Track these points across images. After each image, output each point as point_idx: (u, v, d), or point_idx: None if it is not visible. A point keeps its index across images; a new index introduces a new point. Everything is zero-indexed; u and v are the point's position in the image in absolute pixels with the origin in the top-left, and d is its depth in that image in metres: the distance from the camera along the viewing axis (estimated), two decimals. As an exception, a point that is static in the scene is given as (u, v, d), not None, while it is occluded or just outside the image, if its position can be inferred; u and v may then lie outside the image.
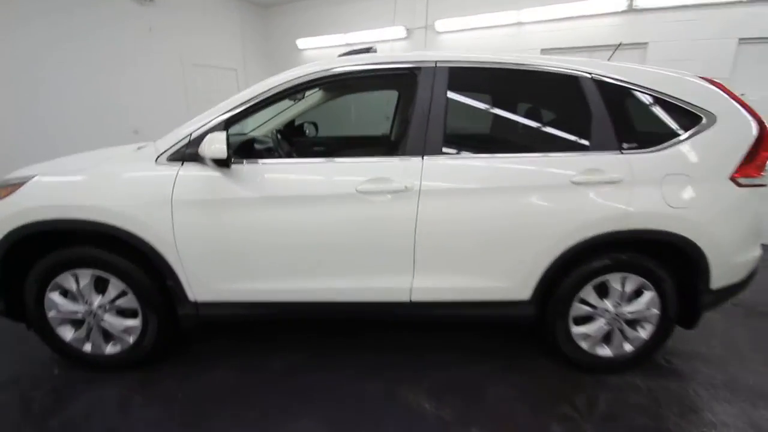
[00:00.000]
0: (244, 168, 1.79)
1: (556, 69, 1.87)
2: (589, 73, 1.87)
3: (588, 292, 1.96)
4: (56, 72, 4.78)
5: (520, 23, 4.84)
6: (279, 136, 2.27)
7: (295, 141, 2.86)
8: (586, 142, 1.85)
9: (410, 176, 1.78)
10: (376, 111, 4.57)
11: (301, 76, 1.85)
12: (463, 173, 1.80)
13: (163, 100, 5.92)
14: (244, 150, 2.14)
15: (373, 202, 1.78)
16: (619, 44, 2.31)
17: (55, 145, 4.54)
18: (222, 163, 1.73)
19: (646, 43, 4.36)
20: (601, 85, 1.86)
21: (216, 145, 1.64)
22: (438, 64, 1.86)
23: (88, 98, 5.16)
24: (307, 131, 3.39)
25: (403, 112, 2.73)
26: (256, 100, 1.84)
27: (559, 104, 1.95)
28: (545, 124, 1.95)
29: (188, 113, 6.35)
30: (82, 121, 5.12)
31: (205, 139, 1.68)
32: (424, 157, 1.80)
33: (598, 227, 1.81)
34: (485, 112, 1.99)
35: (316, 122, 3.43)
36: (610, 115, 1.85)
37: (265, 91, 1.84)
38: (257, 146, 2.34)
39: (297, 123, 3.34)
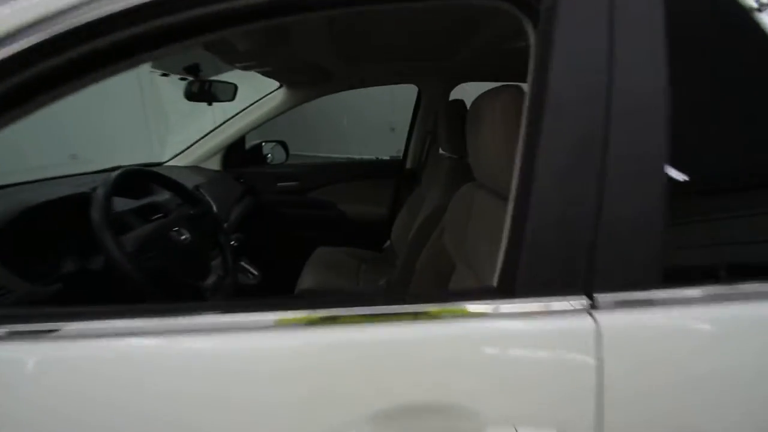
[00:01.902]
0: None
1: None
2: None
3: None
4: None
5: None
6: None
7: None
8: None
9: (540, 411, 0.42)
10: (373, 117, 3.21)
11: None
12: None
13: (112, 116, 4.59)
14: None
15: None
16: None
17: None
18: None
19: None
20: None
21: None
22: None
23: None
24: (270, 156, 2.04)
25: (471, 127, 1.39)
26: None
27: None
28: None
29: (149, 133, 5.04)
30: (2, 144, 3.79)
31: None
32: (598, 312, 0.42)
33: None
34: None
35: (284, 141, 2.08)
36: None
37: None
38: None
39: (251, 144, 1.99)
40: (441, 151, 1.63)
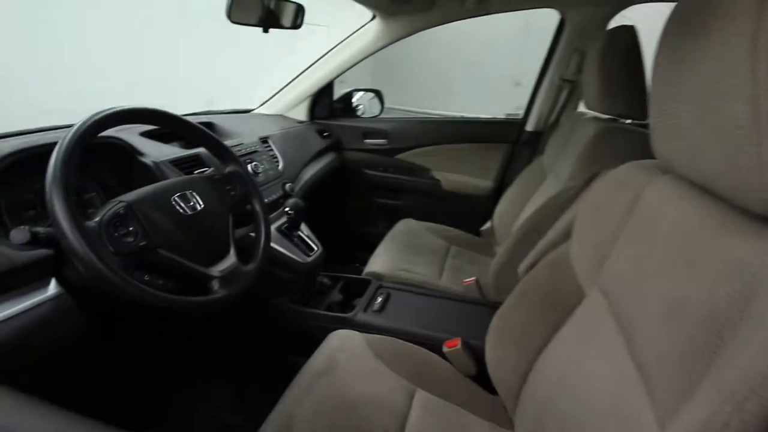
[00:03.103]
0: None
1: None
2: None
3: None
4: (111, 30, 3.94)
5: None
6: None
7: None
8: None
9: None
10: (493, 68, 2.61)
11: None
12: None
13: (234, 64, 4.84)
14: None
15: None
16: None
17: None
18: None
19: None
20: None
21: None
22: None
23: (152, 60, 4.34)
24: (362, 107, 1.76)
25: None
26: None
27: None
28: None
29: (255, 83, 5.24)
30: (146, 89, 4.33)
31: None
32: None
33: None
34: None
35: (379, 90, 1.77)
36: None
37: None
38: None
39: (340, 94, 1.74)
40: (582, 108, 1.13)
